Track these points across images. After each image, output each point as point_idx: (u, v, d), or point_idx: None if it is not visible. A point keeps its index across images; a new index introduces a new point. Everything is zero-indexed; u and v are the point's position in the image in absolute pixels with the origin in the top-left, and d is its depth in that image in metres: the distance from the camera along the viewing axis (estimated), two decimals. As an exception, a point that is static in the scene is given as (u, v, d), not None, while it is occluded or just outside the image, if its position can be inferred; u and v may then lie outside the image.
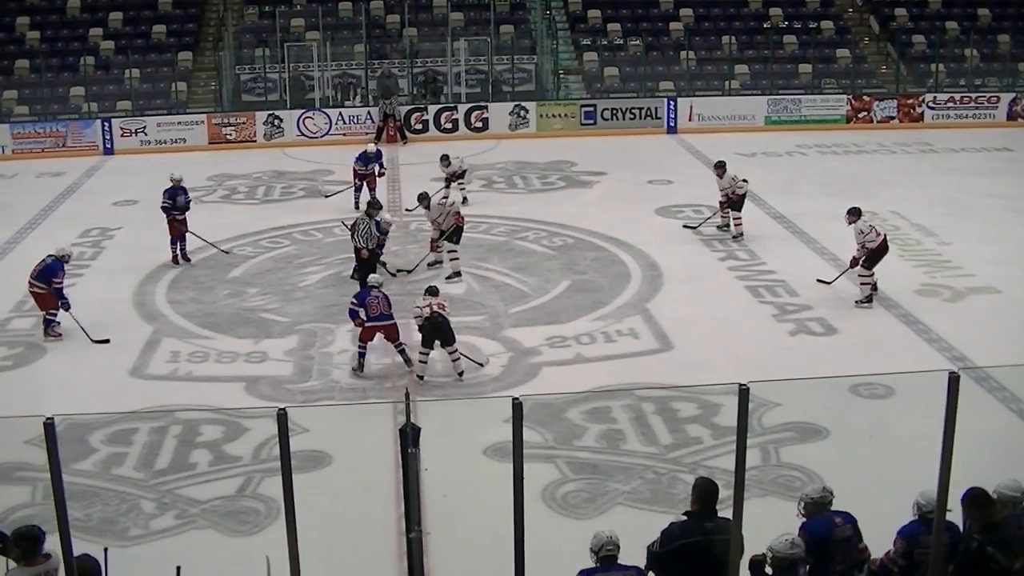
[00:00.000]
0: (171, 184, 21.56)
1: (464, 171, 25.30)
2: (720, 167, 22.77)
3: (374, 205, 20.53)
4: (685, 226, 23.25)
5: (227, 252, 21.94)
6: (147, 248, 21.62)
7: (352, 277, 19.98)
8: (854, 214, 18.96)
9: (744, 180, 22.63)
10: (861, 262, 18.61)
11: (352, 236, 19.69)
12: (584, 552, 8.48)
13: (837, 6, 39.25)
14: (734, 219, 22.59)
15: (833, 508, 8.96)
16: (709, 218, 23.10)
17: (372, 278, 16.88)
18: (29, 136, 32.38)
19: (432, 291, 16.50)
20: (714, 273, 20.66)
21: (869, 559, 8.91)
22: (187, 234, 21.57)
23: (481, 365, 16.43)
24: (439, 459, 11.98)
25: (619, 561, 8.41)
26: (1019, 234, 22.62)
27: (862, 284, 18.70)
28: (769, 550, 8.28)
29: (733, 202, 22.54)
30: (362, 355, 16.33)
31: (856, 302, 18.63)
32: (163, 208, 21.44)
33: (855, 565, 8.85)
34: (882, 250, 18.69)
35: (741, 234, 22.38)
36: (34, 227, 24.55)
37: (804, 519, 8.85)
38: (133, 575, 8.53)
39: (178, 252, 21.45)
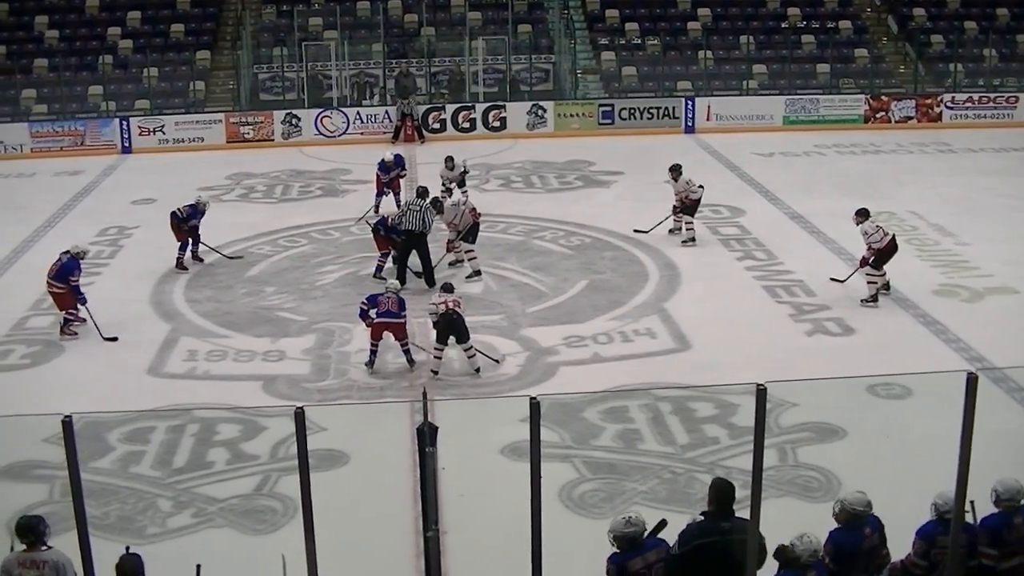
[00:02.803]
0: (197, 204, 21.49)
1: (465, 172, 25.20)
2: (675, 171, 22.50)
3: (424, 192, 20.62)
4: (636, 230, 22.96)
5: (232, 258, 21.87)
6: (165, 247, 21.58)
7: (375, 276, 20.04)
8: (861, 215, 18.96)
9: (700, 186, 22.43)
10: (870, 262, 18.60)
11: (399, 222, 19.88)
12: (600, 551, 8.47)
13: (855, 6, 39.12)
14: (686, 224, 22.35)
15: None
16: (661, 222, 22.84)
17: (391, 284, 16.90)
18: (47, 135, 32.45)
19: (447, 288, 16.61)
20: (731, 273, 20.63)
21: (889, 563, 8.90)
22: (192, 240, 21.41)
23: (497, 362, 16.46)
24: (456, 458, 11.99)
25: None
26: (1037, 234, 22.54)
27: (869, 283, 18.68)
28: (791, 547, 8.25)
29: (687, 206, 22.35)
30: (373, 353, 16.38)
31: (862, 301, 18.60)
32: (173, 215, 21.27)
33: (875, 569, 8.83)
34: (890, 250, 18.66)
35: (692, 239, 22.17)
36: (52, 225, 24.61)
37: (836, 523, 8.78)
38: (151, 573, 8.54)
39: (185, 256, 21.25)
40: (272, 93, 35.55)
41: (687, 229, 22.31)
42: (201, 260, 21.55)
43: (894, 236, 18.82)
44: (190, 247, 21.37)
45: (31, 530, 8.58)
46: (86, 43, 36.38)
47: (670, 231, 22.69)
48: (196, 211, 21.38)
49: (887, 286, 18.80)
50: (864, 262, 18.70)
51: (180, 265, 21.17)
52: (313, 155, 31.74)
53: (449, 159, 24.79)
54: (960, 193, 25.98)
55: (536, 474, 7.42)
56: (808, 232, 22.98)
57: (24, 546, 8.55)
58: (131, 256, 22.28)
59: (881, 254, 18.57)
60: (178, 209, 21.38)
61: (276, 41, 36.32)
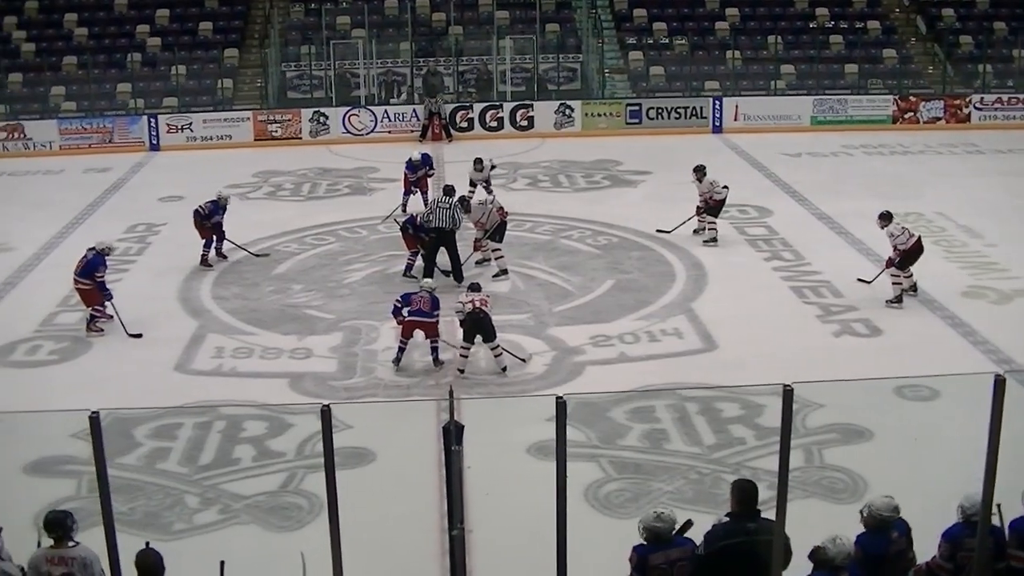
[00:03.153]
0: (218, 199, 21.53)
1: (493, 168, 25.21)
2: (699, 171, 22.46)
3: (451, 190, 20.70)
4: (658, 231, 22.92)
5: (259, 255, 21.97)
6: (192, 244, 21.64)
7: (404, 275, 20.08)
8: (885, 218, 18.89)
9: (724, 186, 22.36)
10: (895, 263, 18.54)
11: (427, 220, 19.94)
12: (625, 551, 8.46)
13: (884, 6, 38.95)
14: (708, 224, 22.32)
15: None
16: (684, 222, 22.75)
17: (425, 283, 16.92)
18: (76, 132, 32.63)
19: (474, 287, 16.66)
20: (758, 273, 20.59)
21: (914, 565, 8.85)
22: (217, 236, 21.51)
23: (524, 361, 16.45)
24: (482, 457, 11.97)
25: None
26: (1067, 236, 22.38)
27: (894, 284, 18.62)
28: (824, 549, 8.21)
29: (710, 207, 22.30)
30: (401, 351, 16.39)
31: (887, 302, 18.53)
32: (196, 212, 21.39)
33: (901, 572, 8.78)
34: (916, 251, 18.60)
35: (715, 239, 22.11)
36: (80, 222, 24.73)
37: (864, 528, 8.73)
38: (176, 569, 8.56)
39: (209, 254, 21.35)
40: (300, 91, 35.64)
41: (709, 229, 22.27)
42: (225, 257, 21.61)
43: (920, 237, 18.74)
44: (214, 244, 21.44)
45: (59, 525, 8.64)
46: (115, 41, 36.52)
47: (694, 231, 22.64)
48: (217, 207, 21.42)
49: (914, 287, 18.73)
50: (890, 263, 18.65)
51: (205, 262, 21.24)
52: (341, 153, 31.82)
53: (478, 160, 24.81)
54: (988, 194, 25.84)
55: (562, 473, 7.40)
56: (835, 233, 22.91)
57: (52, 541, 8.61)
58: (158, 253, 22.36)
59: (906, 255, 18.50)
60: (200, 206, 21.45)
61: (304, 39, 36.41)
